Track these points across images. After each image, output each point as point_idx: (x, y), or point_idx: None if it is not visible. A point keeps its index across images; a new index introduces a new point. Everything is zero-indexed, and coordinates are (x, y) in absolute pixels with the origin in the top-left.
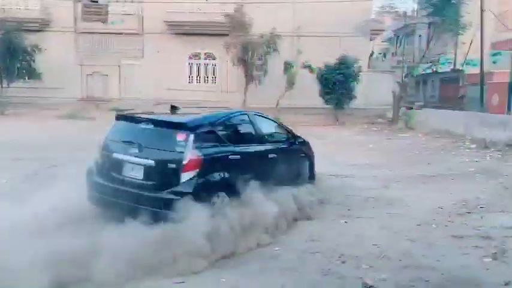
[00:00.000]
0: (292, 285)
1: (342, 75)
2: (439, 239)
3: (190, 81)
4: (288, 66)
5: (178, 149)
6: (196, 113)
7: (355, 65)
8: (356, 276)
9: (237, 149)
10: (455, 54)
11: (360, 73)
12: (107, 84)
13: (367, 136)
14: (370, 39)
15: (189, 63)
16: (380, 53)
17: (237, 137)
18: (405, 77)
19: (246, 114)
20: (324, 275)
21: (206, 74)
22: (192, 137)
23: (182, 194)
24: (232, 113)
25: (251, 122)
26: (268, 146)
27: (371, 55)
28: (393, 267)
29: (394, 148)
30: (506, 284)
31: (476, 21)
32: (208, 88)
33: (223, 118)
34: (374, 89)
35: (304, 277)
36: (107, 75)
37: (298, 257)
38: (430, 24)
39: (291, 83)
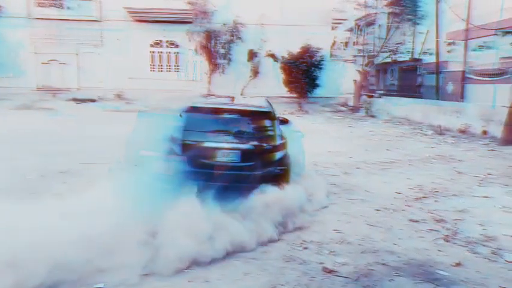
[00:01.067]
0: (256, 273)
1: (305, 64)
2: (397, 223)
3: (153, 69)
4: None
5: (269, 133)
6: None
7: (318, 54)
8: (317, 261)
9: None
10: (413, 44)
11: (323, 62)
12: (65, 73)
13: (330, 124)
14: (332, 29)
15: (150, 52)
16: (342, 43)
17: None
18: (366, 65)
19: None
20: (286, 262)
21: (169, 63)
22: (277, 122)
23: (281, 170)
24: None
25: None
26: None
27: (333, 44)
28: (353, 252)
29: (356, 135)
30: (457, 264)
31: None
32: (172, 77)
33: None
34: (336, 77)
35: (267, 264)
36: (64, 63)
37: (261, 246)
38: (389, 14)
39: (255, 72)
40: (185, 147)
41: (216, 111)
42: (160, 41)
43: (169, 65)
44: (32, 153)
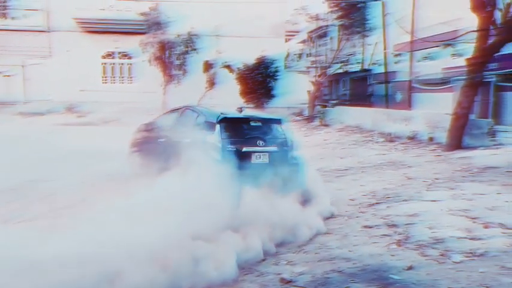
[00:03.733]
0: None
1: (260, 75)
2: (352, 230)
3: (105, 81)
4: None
5: (284, 137)
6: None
7: (272, 66)
8: (275, 273)
9: None
10: (363, 55)
11: (278, 73)
12: (10, 86)
13: None
14: (286, 41)
15: (102, 63)
16: (295, 54)
17: None
18: (319, 76)
19: None
20: (245, 274)
21: (122, 74)
22: (286, 126)
23: (297, 166)
24: None
25: None
26: None
27: (287, 56)
28: (310, 261)
29: (311, 144)
30: (408, 268)
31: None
32: (125, 89)
33: None
34: (291, 88)
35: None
36: (9, 76)
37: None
38: (340, 26)
39: (211, 83)
40: (225, 152)
41: (244, 121)
42: (113, 52)
43: (122, 77)
44: None
